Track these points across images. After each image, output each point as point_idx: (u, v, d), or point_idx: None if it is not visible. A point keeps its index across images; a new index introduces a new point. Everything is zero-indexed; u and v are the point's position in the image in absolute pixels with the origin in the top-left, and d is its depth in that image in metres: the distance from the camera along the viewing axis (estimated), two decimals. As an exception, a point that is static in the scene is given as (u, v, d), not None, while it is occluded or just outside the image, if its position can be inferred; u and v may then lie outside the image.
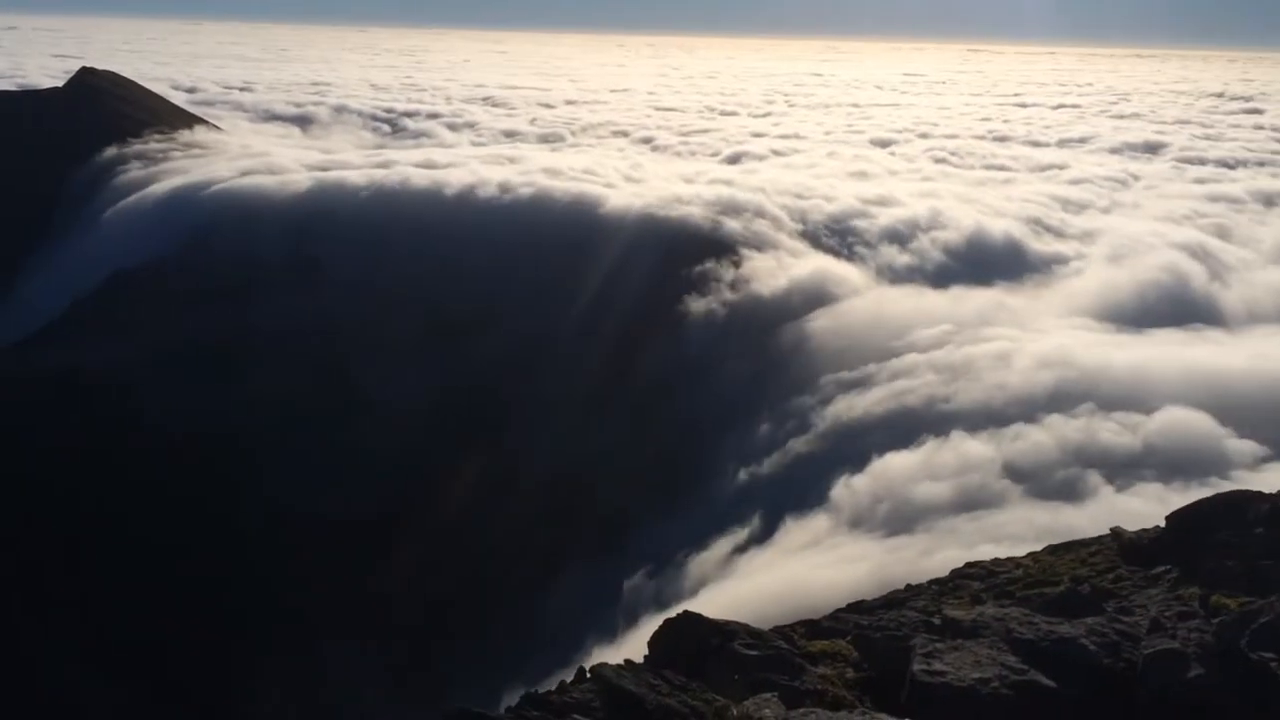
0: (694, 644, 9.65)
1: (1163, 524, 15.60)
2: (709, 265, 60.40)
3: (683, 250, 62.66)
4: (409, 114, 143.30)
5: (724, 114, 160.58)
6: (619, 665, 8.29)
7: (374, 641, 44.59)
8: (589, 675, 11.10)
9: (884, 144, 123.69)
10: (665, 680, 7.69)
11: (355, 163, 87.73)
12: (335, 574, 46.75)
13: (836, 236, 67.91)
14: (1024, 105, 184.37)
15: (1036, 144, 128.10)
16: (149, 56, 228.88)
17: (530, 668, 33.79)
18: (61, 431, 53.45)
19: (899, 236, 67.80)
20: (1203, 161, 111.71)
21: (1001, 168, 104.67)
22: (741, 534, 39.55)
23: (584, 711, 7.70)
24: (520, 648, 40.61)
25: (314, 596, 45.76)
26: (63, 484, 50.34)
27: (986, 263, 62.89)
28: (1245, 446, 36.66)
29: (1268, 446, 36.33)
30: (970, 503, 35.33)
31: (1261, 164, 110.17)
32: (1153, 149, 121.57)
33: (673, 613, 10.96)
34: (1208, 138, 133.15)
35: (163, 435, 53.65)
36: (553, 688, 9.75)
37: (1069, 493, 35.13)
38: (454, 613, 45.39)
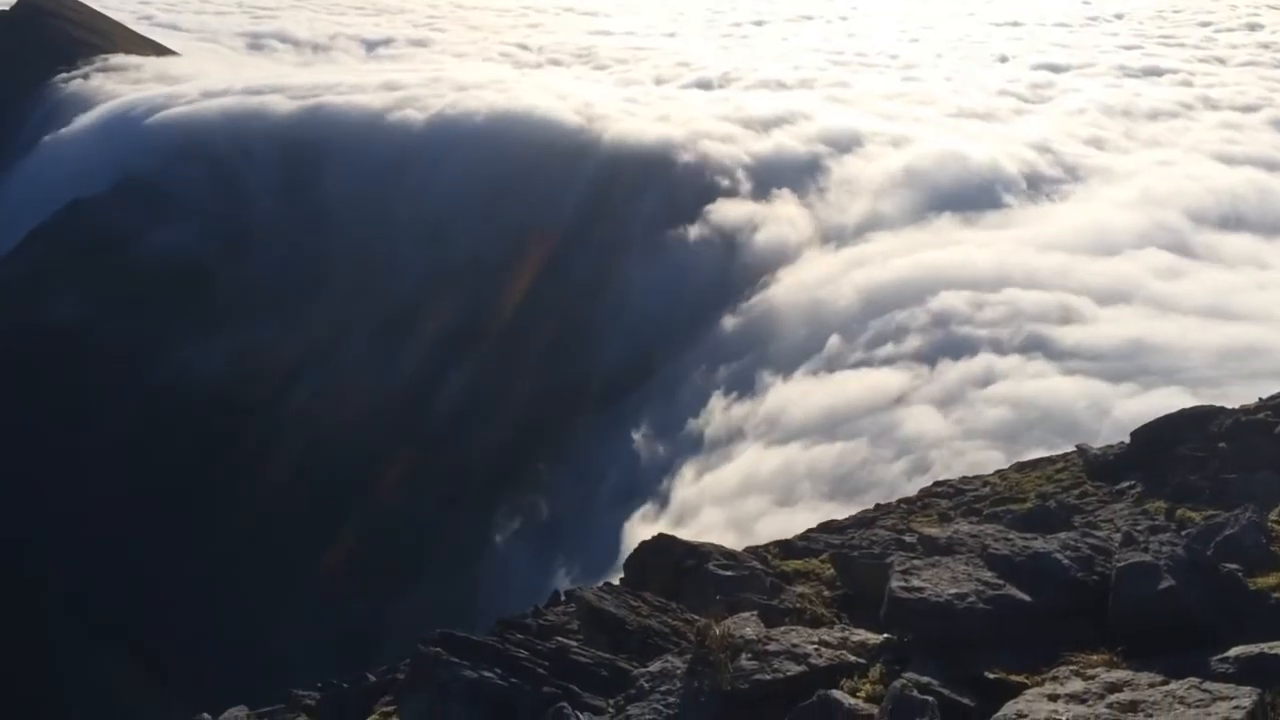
0: (669, 565, 9.72)
1: (1126, 440, 15.87)
2: (679, 203, 58.84)
3: (654, 185, 61.22)
4: (371, 40, 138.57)
5: (681, 35, 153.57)
6: (598, 587, 8.35)
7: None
8: (564, 598, 11.15)
9: (870, 66, 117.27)
10: (645, 601, 7.76)
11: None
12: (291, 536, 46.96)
13: (811, 175, 64.49)
14: (1017, 24, 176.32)
15: (1042, 67, 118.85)
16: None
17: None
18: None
19: (892, 177, 64.59)
20: (1207, 85, 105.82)
21: (1005, 92, 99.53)
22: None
23: (564, 633, 7.76)
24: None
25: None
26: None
27: (982, 201, 61.09)
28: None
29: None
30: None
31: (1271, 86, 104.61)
32: (1154, 73, 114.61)
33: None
34: (1204, 60, 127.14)
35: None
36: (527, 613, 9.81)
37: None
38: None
